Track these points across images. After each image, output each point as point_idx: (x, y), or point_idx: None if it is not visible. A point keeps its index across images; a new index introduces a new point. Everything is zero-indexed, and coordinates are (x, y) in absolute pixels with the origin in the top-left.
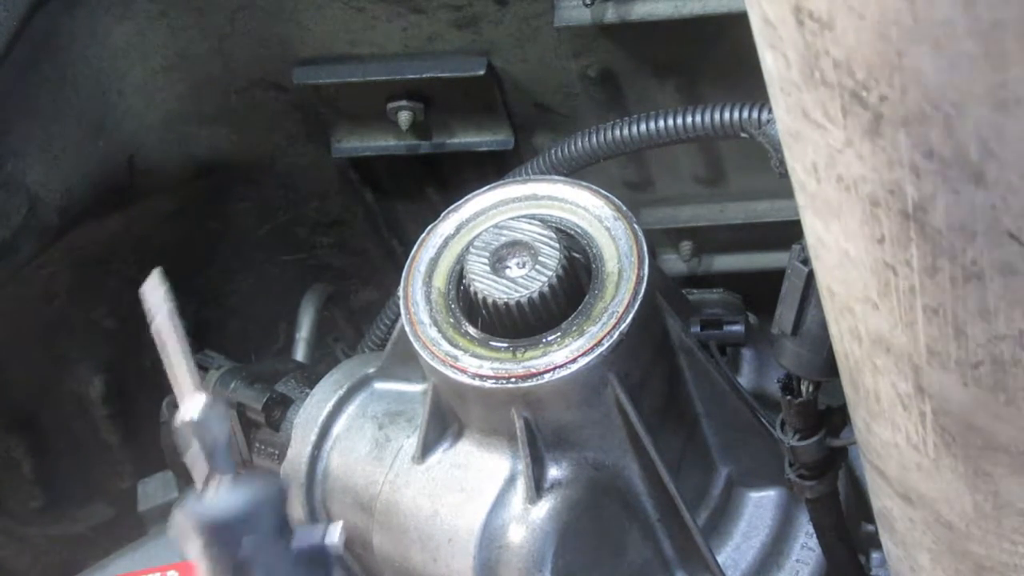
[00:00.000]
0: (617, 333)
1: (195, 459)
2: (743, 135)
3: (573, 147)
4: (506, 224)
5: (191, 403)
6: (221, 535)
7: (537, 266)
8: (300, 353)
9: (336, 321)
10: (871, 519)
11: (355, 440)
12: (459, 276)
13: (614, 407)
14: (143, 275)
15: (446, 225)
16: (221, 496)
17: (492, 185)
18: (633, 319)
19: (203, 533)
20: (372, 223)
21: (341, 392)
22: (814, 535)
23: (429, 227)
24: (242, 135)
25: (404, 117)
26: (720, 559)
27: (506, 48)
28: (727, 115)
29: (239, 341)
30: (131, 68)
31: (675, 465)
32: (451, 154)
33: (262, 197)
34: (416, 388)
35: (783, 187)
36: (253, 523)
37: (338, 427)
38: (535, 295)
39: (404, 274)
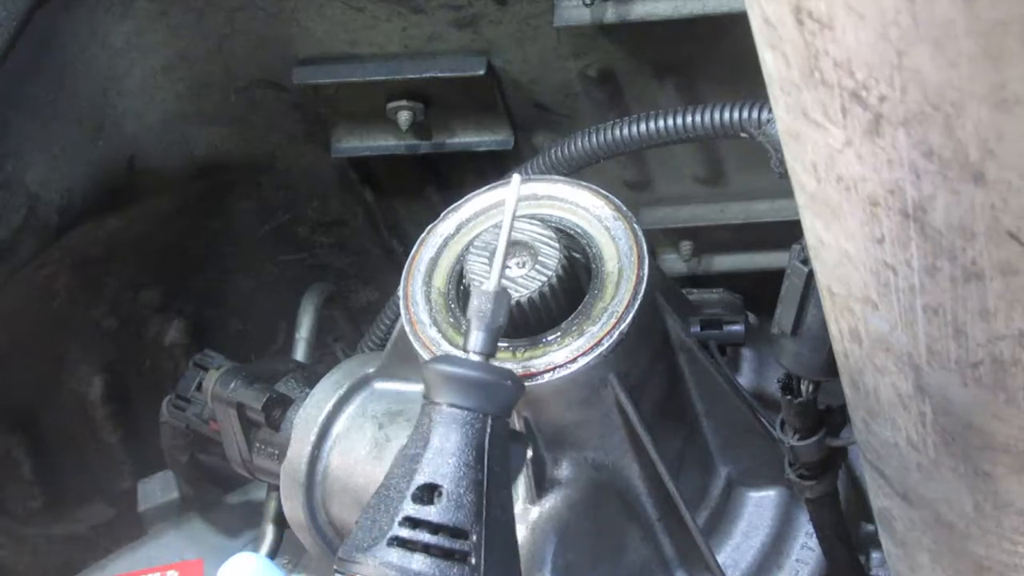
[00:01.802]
0: (617, 333)
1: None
2: (743, 135)
3: (573, 147)
4: None
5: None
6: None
7: (537, 266)
8: (300, 353)
9: (336, 321)
10: (871, 519)
11: (355, 440)
12: (459, 276)
13: (614, 407)
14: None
15: (446, 225)
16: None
17: (492, 185)
18: (633, 319)
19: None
20: (372, 223)
21: (341, 392)
22: (814, 535)
23: (429, 227)
24: (242, 135)
25: (404, 117)
26: (720, 559)
27: (506, 48)
28: (727, 115)
29: (239, 341)
30: (131, 68)
31: (675, 465)
32: (451, 154)
33: (262, 197)
34: (416, 388)
35: (783, 187)
36: (494, 398)
37: (338, 427)
38: (535, 295)
39: (404, 274)
